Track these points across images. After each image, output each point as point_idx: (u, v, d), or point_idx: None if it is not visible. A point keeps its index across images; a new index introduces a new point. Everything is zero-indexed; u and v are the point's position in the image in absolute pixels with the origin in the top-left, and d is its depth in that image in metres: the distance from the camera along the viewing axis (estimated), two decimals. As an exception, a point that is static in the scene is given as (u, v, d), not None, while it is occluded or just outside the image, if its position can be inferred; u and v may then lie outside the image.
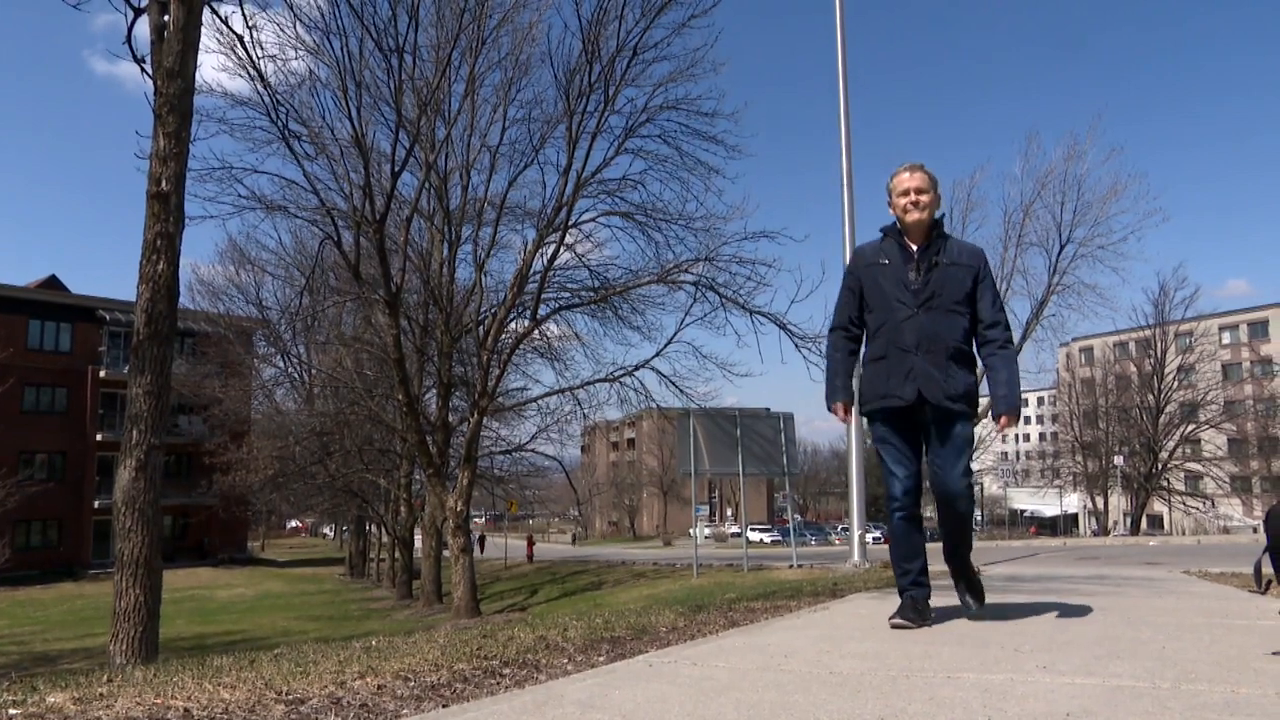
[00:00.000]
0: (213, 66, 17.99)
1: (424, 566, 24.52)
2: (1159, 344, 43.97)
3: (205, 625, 23.00)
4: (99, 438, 40.29)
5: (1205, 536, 33.55)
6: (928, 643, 3.37)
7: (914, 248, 3.91)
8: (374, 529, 38.45)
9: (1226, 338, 61.04)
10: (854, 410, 4.15)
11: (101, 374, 40.71)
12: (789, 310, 38.95)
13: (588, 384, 19.86)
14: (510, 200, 18.95)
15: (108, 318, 41.00)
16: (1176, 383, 44.73)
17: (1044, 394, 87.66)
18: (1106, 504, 49.90)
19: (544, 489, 38.06)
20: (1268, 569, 5.54)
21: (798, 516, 73.56)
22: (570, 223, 17.64)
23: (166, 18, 7.19)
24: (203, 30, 7.53)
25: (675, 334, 18.37)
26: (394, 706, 2.52)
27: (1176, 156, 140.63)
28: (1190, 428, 44.18)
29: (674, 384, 18.48)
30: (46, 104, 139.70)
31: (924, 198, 3.90)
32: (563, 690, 2.64)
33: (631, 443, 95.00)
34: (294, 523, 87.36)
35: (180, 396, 33.10)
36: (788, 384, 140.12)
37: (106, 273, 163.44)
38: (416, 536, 28.66)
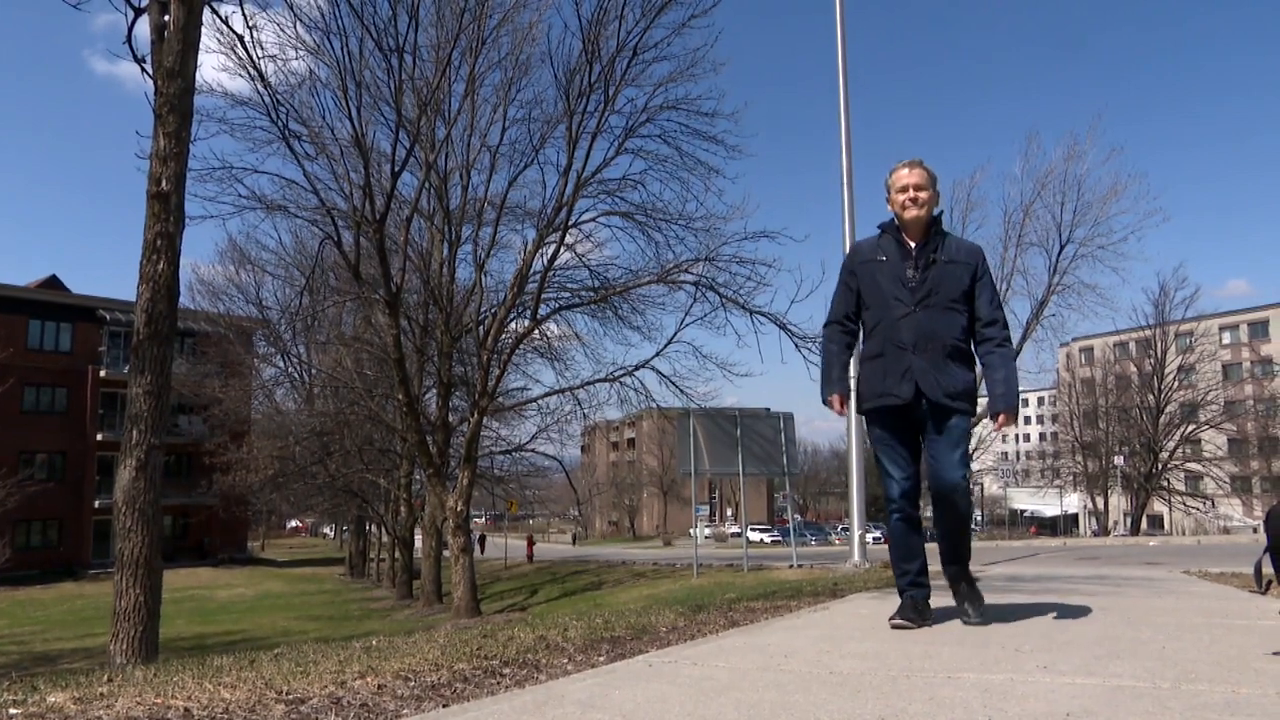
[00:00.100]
0: (213, 66, 18.03)
1: (424, 566, 24.53)
2: (1159, 344, 43.98)
3: (205, 625, 23.00)
4: (99, 437, 40.30)
5: (1205, 537, 33.55)
6: (928, 643, 3.37)
7: (912, 245, 3.88)
8: (374, 529, 38.45)
9: (1227, 338, 61.04)
10: (850, 404, 4.09)
11: (102, 374, 40.72)
12: (789, 310, 39.06)
13: (588, 384, 19.87)
14: (510, 200, 18.97)
15: (108, 317, 41.01)
16: (1177, 383, 44.75)
17: (1044, 394, 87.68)
18: (1107, 504, 49.90)
19: (544, 489, 38.06)
20: (1268, 569, 5.54)
21: (798, 516, 73.57)
22: (570, 223, 17.64)
23: (167, 17, 7.19)
24: (203, 30, 7.53)
25: (675, 334, 18.40)
26: (394, 706, 2.52)
27: (1176, 156, 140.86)
28: (1190, 428, 44.19)
29: (674, 384, 18.49)
30: (46, 104, 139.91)
31: (922, 194, 3.87)
32: (563, 690, 2.64)
33: (631, 443, 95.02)
34: (294, 523, 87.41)
35: (180, 396, 33.11)
36: (788, 384, 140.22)
37: (107, 273, 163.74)
38: (416, 536, 28.66)
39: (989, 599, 5.12)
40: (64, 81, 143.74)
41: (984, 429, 27.70)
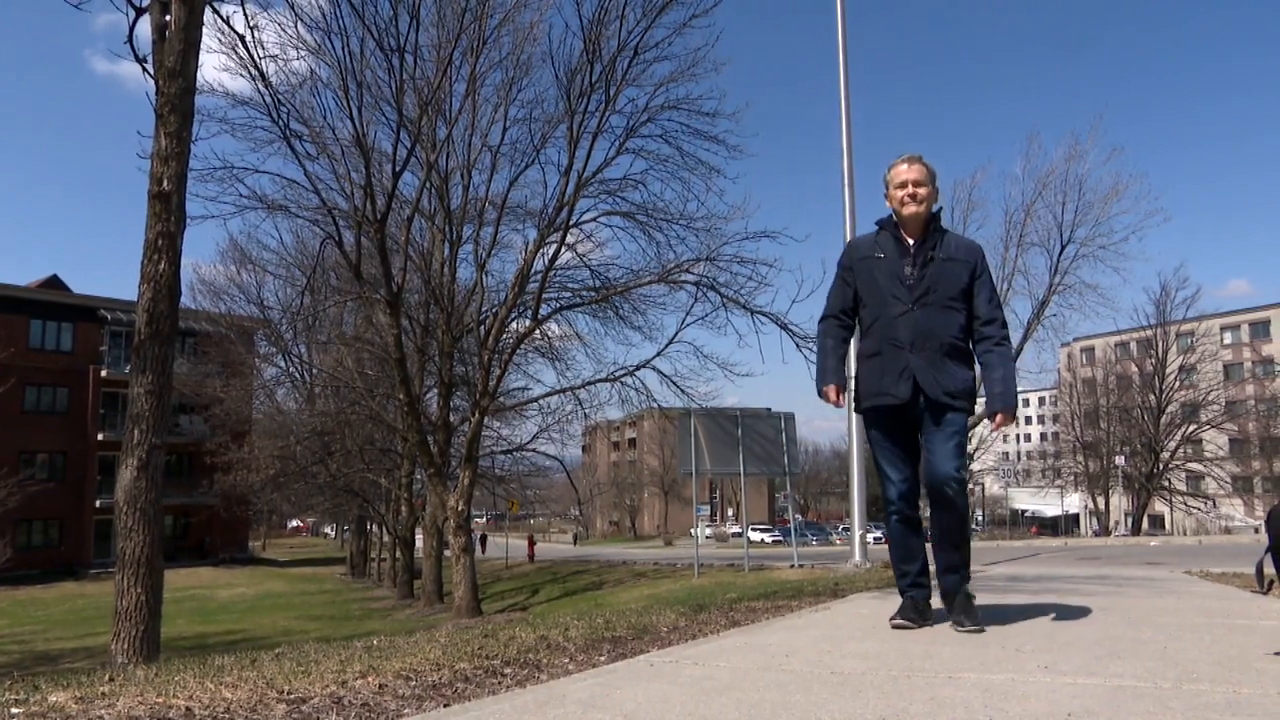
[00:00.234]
0: (214, 66, 18.07)
1: (425, 566, 24.53)
2: (1160, 344, 43.95)
3: (206, 625, 23.02)
4: (100, 437, 40.33)
5: (1207, 537, 33.54)
6: (928, 643, 3.37)
7: (910, 242, 3.82)
8: (375, 529, 38.46)
9: (1228, 338, 61.01)
10: (846, 395, 3.96)
11: (103, 374, 40.74)
12: (790, 310, 39.11)
13: (589, 384, 19.89)
14: (511, 200, 18.98)
15: (109, 317, 41.04)
16: (1178, 383, 44.71)
17: (1045, 394, 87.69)
18: (1108, 504, 49.87)
19: (545, 489, 38.09)
20: (1269, 569, 5.54)
21: (799, 516, 73.58)
22: (571, 222, 17.65)
23: (168, 17, 7.19)
24: (204, 30, 7.53)
25: (676, 334, 18.42)
26: (395, 706, 2.52)
27: (1177, 156, 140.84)
28: (1192, 428, 44.16)
29: (675, 384, 18.51)
30: (47, 104, 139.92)
31: (921, 190, 3.80)
32: (564, 690, 2.65)
33: (633, 442, 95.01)
34: (295, 522, 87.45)
35: (181, 396, 33.13)
36: (789, 384, 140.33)
37: (108, 272, 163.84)
38: (417, 536, 28.67)
39: (990, 599, 5.12)
40: (65, 81, 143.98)
41: (984, 429, 27.70)
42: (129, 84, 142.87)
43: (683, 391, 18.50)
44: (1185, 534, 42.03)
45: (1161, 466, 43.31)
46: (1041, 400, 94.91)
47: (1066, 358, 59.97)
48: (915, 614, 3.79)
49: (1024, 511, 78.31)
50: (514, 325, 19.51)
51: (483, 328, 19.41)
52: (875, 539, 16.76)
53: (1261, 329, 63.65)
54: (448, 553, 21.58)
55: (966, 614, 3.70)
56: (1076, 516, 67.94)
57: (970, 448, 38.25)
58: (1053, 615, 4.26)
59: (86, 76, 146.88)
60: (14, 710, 2.36)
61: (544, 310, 18.83)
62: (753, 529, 57.24)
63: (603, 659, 3.35)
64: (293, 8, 15.00)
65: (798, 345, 17.14)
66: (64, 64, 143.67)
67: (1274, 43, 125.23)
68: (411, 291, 20.60)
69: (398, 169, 15.85)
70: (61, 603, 30.47)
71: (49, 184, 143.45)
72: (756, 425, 15.77)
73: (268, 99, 13.93)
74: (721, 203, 29.06)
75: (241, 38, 11.61)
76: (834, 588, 6.69)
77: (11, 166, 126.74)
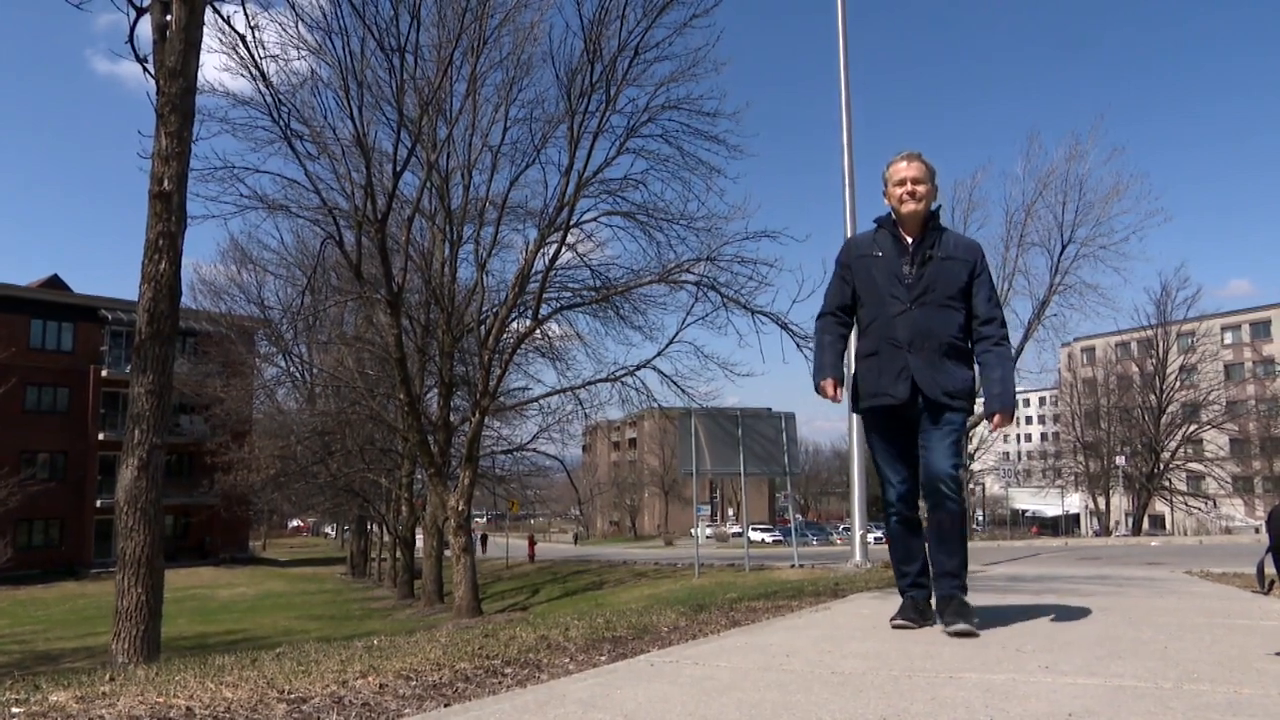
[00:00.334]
0: (215, 66, 18.09)
1: (425, 566, 24.54)
2: (1161, 344, 43.93)
3: (207, 624, 23.02)
4: (100, 437, 40.34)
5: (1207, 537, 33.55)
6: (929, 643, 3.37)
7: (909, 240, 3.77)
8: (375, 528, 38.47)
9: (1229, 338, 60.99)
10: (844, 389, 3.89)
11: (103, 373, 40.75)
12: (791, 310, 39.10)
13: (589, 384, 19.89)
14: (512, 200, 18.98)
15: (110, 317, 41.05)
16: (1178, 383, 44.69)
17: (1046, 394, 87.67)
18: (1108, 504, 49.85)
19: (545, 489, 38.09)
20: (1270, 569, 5.54)
21: (799, 516, 73.58)
22: (572, 222, 17.66)
23: (169, 17, 7.19)
24: (205, 30, 7.53)
25: (677, 334, 18.42)
26: (396, 706, 2.52)
27: (1178, 156, 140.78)
28: (1192, 428, 44.15)
29: (675, 384, 18.51)
30: (47, 104, 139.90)
31: (920, 188, 3.76)
32: (565, 689, 2.65)
33: (633, 442, 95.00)
34: (295, 522, 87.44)
35: (182, 396, 33.15)
36: (789, 384, 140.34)
37: (108, 272, 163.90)
38: (418, 536, 28.68)
39: (990, 599, 5.13)
40: (65, 81, 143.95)
41: (984, 429, 27.69)
42: (129, 84, 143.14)
43: (683, 391, 18.53)
44: (1186, 534, 42.02)
45: (1162, 466, 43.31)
46: (1042, 400, 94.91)
47: (1067, 358, 59.96)
48: (916, 614, 3.78)
49: (1024, 511, 78.30)
50: (514, 325, 19.53)
51: (483, 327, 19.41)
52: (876, 539, 16.76)
53: (1262, 329, 63.63)
54: (448, 553, 21.59)
55: (960, 615, 3.57)
56: (1077, 516, 67.92)
57: (970, 448, 38.37)
58: (1053, 615, 4.26)
59: (87, 76, 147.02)
60: (15, 710, 2.36)
61: (544, 310, 18.85)
62: (753, 529, 57.24)
63: (603, 659, 3.35)
64: (293, 7, 15.04)
65: (798, 345, 17.17)
66: (64, 64, 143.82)
67: (1274, 43, 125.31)
68: (412, 291, 20.61)
69: (398, 169, 15.87)
70: (62, 602, 30.48)
71: (49, 184, 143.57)
72: (757, 425, 15.77)
73: (268, 99, 13.96)
74: (722, 202, 29.18)
75: (242, 37, 11.64)
76: (834, 588, 6.69)
77: (12, 166, 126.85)
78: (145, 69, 7.57)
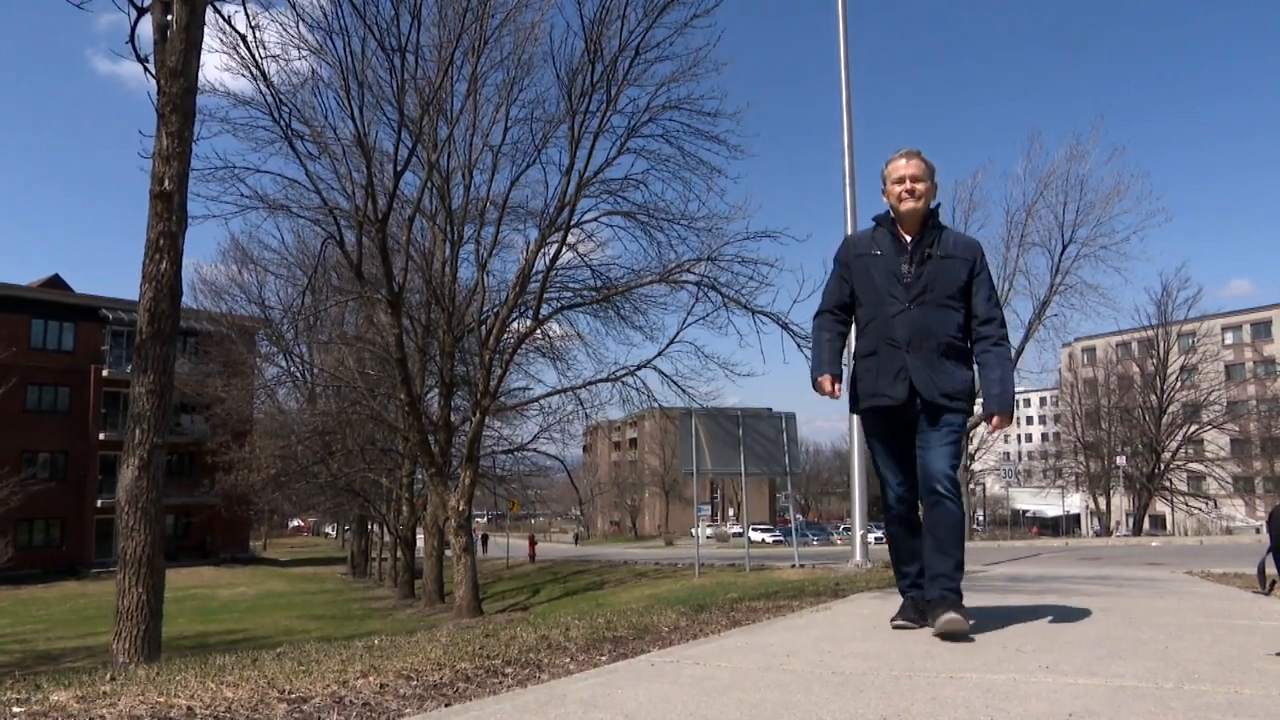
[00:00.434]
0: (215, 66, 18.13)
1: (426, 566, 24.55)
2: (1162, 344, 43.91)
3: (207, 624, 23.03)
4: (101, 437, 40.36)
5: (1208, 537, 33.54)
6: (930, 643, 3.36)
7: (907, 239, 3.73)
8: (376, 528, 38.49)
9: (1229, 338, 60.97)
10: (842, 387, 3.84)
11: (104, 373, 40.76)
12: (791, 310, 38.90)
13: (590, 384, 19.90)
14: (512, 200, 19.00)
15: (110, 317, 41.06)
16: (1179, 383, 44.67)
17: (1046, 394, 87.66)
18: (1109, 504, 49.83)
19: (546, 489, 38.11)
20: (1271, 569, 5.54)
21: (799, 516, 73.55)
22: (572, 222, 17.66)
23: (170, 17, 7.20)
24: (206, 30, 7.54)
25: (677, 334, 18.43)
26: (396, 705, 2.52)
27: (1178, 156, 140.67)
28: (1193, 428, 44.12)
29: (676, 384, 18.52)
30: (48, 104, 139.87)
31: (920, 186, 3.71)
32: (565, 689, 2.65)
33: (633, 442, 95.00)
34: (296, 522, 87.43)
35: (183, 396, 33.16)
36: (790, 384, 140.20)
37: (109, 272, 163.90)
38: (418, 536, 28.70)
39: (991, 599, 5.13)
40: (65, 81, 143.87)
41: (984, 429, 27.65)
42: (130, 83, 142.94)
43: (684, 391, 18.54)
44: (1186, 534, 41.98)
45: (1163, 467, 43.29)
46: (1043, 400, 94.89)
47: (1068, 358, 59.96)
48: (916, 614, 3.76)
49: (1025, 512, 78.28)
50: (515, 325, 19.54)
51: (484, 327, 19.42)
52: (876, 539, 16.77)
53: (1263, 329, 63.61)
54: (449, 552, 21.60)
55: (949, 617, 3.39)
56: (1077, 517, 67.89)
57: (971, 448, 38.36)
58: (1054, 615, 4.26)
59: (88, 76, 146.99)
60: (16, 709, 2.36)
61: (545, 310, 18.86)
62: (754, 529, 57.22)
63: (604, 659, 3.35)
64: (294, 7, 15.05)
65: (799, 345, 17.16)
66: (65, 64, 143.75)
67: (1274, 43, 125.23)
68: (413, 291, 20.62)
69: (399, 169, 15.88)
70: (63, 602, 30.50)
71: (50, 184, 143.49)
72: (757, 425, 15.77)
73: (269, 99, 13.98)
74: (723, 202, 29.11)
75: (243, 37, 11.66)
76: (835, 588, 6.69)
77: (12, 166, 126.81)
78: (146, 69, 7.58)
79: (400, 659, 3.20)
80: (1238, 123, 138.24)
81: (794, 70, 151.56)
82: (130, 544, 6.72)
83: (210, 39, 10.52)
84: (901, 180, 3.74)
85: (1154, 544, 24.63)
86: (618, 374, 19.17)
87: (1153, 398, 44.07)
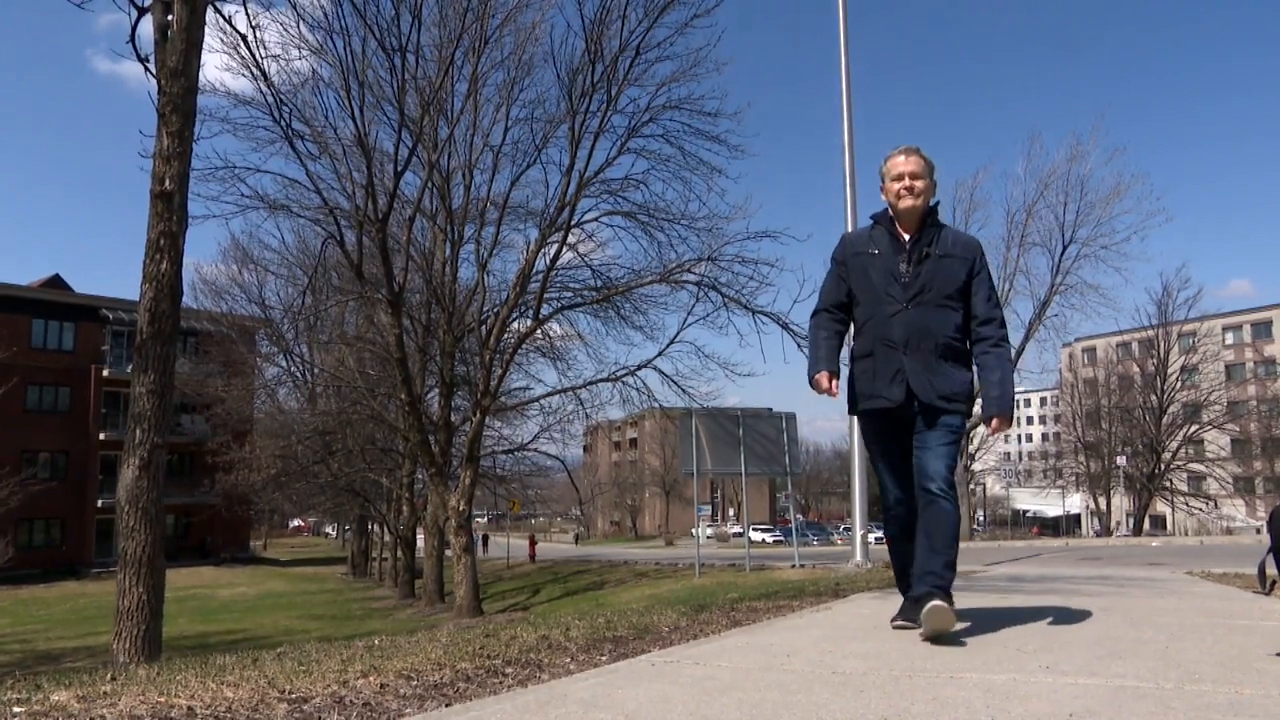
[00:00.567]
0: (216, 66, 18.19)
1: (426, 566, 24.56)
2: (1162, 344, 43.89)
3: (208, 624, 23.03)
4: (101, 437, 40.37)
5: (1208, 537, 33.53)
6: (930, 643, 3.36)
7: (906, 237, 3.67)
8: (376, 528, 38.50)
9: (1230, 338, 60.94)
10: (839, 384, 3.77)
11: (104, 373, 40.77)
12: (792, 310, 38.85)
13: (590, 383, 19.91)
14: (513, 200, 19.01)
15: (111, 317, 41.07)
16: (1179, 383, 44.64)
17: (1047, 394, 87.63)
18: (1109, 504, 49.81)
19: (546, 488, 38.12)
20: (1271, 570, 5.54)
21: (800, 516, 73.53)
22: (573, 222, 17.67)
23: (170, 17, 7.20)
24: (206, 30, 7.54)
25: (678, 334, 18.44)
26: (397, 705, 2.52)
27: (1178, 156, 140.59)
28: (1193, 428, 44.10)
29: (676, 384, 18.52)
30: (47, 104, 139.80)
31: (918, 183, 3.65)
32: (565, 689, 2.65)
33: (634, 442, 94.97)
34: (296, 522, 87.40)
35: (183, 395, 33.15)
36: (790, 384, 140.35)
37: (109, 272, 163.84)
38: (419, 536, 28.70)
39: (992, 599, 5.13)
40: (65, 81, 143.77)
41: (984, 431, 27.65)
42: (130, 83, 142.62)
43: (684, 391, 18.54)
44: (1187, 535, 41.95)
45: (1163, 467, 43.28)
46: (1043, 400, 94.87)
47: (1068, 358, 59.91)
48: (917, 614, 3.76)
49: (1025, 512, 78.24)
50: (515, 325, 19.55)
51: (484, 327, 19.42)
52: (876, 539, 16.72)
53: (1263, 329, 63.58)
54: (449, 552, 21.61)
55: (933, 614, 3.29)
56: (1078, 517, 67.85)
57: (971, 448, 38.33)
58: (1054, 615, 4.26)
59: (88, 76, 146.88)
60: (16, 709, 2.36)
61: (545, 310, 18.87)
62: (754, 529, 57.19)
63: (604, 659, 3.35)
64: (295, 7, 15.04)
65: (799, 345, 17.15)
66: (65, 64, 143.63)
67: (1274, 43, 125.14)
68: (413, 291, 20.62)
69: (399, 169, 15.89)
70: (63, 602, 30.50)
71: (50, 184, 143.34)
72: (758, 425, 15.77)
73: (270, 99, 13.99)
74: (723, 202, 29.05)
75: (244, 37, 11.67)
76: (835, 588, 6.69)
77: (12, 166, 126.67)
78: (147, 69, 7.59)
79: (401, 659, 3.20)
80: (1238, 123, 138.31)
81: (794, 70, 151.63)
82: (131, 544, 6.72)
83: (211, 39, 10.51)
84: (900, 177, 3.69)
85: (1154, 544, 24.62)
86: (618, 374, 19.19)
87: (1153, 398, 44.05)
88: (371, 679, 2.84)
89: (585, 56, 15.98)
